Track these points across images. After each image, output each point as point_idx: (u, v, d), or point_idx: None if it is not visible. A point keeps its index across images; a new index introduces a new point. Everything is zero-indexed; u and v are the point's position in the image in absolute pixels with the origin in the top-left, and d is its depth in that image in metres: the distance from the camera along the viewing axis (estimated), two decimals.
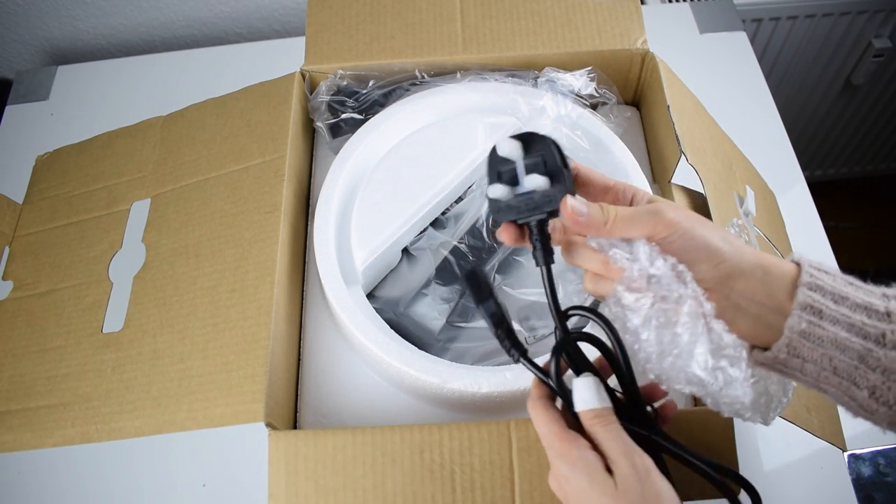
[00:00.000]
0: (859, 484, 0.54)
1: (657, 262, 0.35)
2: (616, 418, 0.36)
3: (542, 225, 0.39)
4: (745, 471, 0.46)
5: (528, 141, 0.41)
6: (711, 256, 0.35)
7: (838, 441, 0.51)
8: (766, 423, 0.37)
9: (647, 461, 0.34)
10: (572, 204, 0.37)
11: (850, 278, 0.35)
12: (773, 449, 0.55)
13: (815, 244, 0.67)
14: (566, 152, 0.40)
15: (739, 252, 0.35)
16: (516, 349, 0.39)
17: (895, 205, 1.47)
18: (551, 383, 0.37)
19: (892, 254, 1.40)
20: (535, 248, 0.39)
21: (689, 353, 0.34)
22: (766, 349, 0.35)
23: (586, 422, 0.36)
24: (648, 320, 0.35)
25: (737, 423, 0.46)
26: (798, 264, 0.35)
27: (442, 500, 0.45)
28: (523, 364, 0.39)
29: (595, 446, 0.35)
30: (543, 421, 0.37)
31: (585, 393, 0.36)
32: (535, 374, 0.39)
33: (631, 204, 0.39)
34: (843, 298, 0.34)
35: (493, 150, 0.41)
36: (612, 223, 0.37)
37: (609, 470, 0.34)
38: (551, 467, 0.37)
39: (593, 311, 0.37)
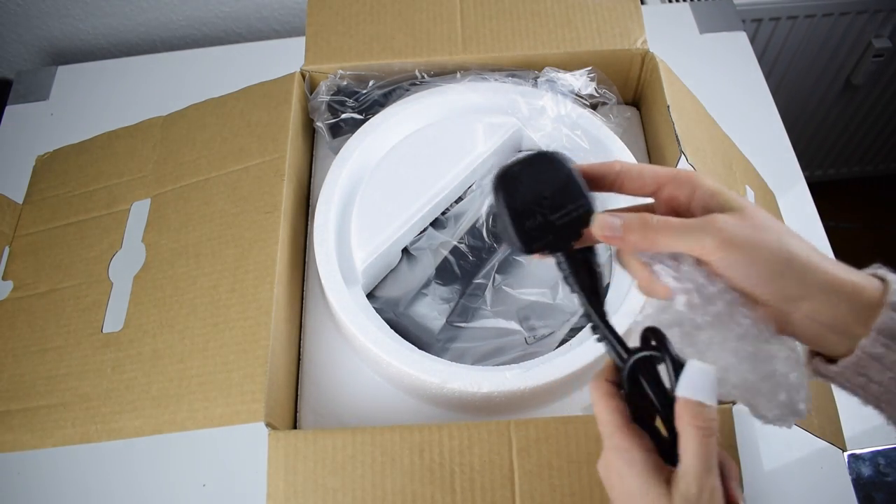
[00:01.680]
0: (859, 484, 0.54)
1: (705, 286, 0.33)
2: (714, 431, 0.30)
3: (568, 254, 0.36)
4: (745, 470, 0.46)
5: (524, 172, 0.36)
6: (771, 282, 0.32)
7: (838, 441, 0.51)
8: (790, 426, 0.35)
9: (718, 486, 0.30)
10: (603, 221, 0.34)
11: None
12: (773, 449, 0.55)
13: (815, 244, 0.66)
14: (566, 153, 0.39)
15: (806, 273, 0.32)
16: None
17: (895, 205, 1.47)
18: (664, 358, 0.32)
19: (893, 254, 1.40)
20: (564, 277, 0.36)
21: (738, 365, 0.33)
22: (830, 360, 0.33)
23: (683, 414, 0.30)
24: (700, 328, 0.33)
25: (737, 422, 0.46)
26: (883, 280, 0.32)
27: (441, 500, 0.45)
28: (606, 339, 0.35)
29: (662, 444, 0.32)
30: (606, 408, 0.33)
31: (699, 379, 0.30)
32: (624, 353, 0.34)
33: (692, 200, 0.35)
34: None
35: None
36: (654, 239, 0.33)
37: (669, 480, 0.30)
38: (604, 456, 0.34)
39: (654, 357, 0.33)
